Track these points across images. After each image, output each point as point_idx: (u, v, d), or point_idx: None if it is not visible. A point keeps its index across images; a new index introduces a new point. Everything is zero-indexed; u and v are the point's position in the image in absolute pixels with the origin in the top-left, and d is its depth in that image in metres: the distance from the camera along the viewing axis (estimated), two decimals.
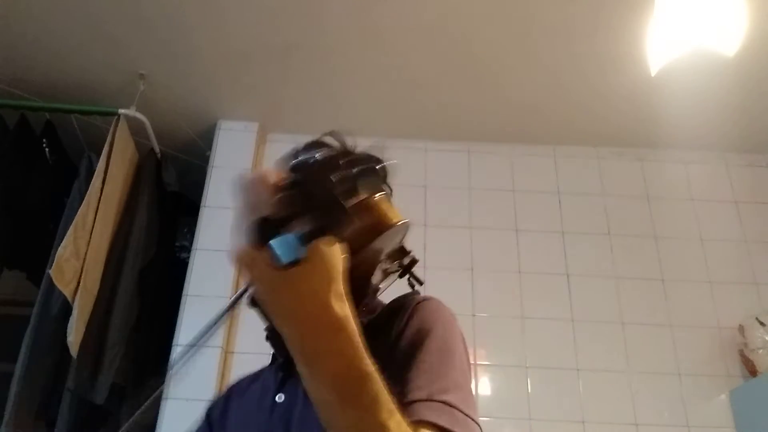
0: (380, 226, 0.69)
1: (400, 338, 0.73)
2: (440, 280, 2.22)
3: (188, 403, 1.96)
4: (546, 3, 1.98)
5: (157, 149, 2.49)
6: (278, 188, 0.51)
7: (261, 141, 2.60)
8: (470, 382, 0.74)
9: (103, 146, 2.25)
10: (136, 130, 2.40)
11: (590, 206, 2.50)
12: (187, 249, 2.43)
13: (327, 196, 0.50)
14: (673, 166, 2.58)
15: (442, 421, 0.63)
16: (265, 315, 0.70)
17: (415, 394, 0.65)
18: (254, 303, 0.64)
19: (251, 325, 2.26)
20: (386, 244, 0.75)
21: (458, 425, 0.64)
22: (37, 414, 1.96)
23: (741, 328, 2.18)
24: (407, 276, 0.83)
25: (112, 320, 2.12)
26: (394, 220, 0.71)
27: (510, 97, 2.38)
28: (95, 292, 2.11)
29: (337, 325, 0.53)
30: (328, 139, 0.98)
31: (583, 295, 2.32)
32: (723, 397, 2.16)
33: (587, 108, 2.42)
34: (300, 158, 0.54)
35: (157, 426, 1.98)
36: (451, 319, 0.78)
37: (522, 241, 2.42)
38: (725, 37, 1.58)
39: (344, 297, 0.55)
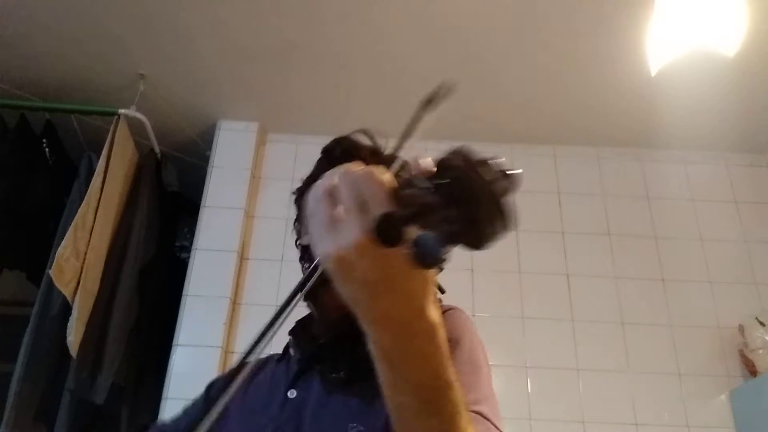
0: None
1: None
2: (440, 280, 2.23)
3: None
4: (546, 3, 1.98)
5: (157, 149, 2.49)
6: (406, 183, 0.46)
7: (261, 141, 2.60)
8: (493, 392, 0.75)
9: (103, 146, 2.25)
10: (136, 130, 2.40)
11: (590, 206, 2.50)
12: (187, 249, 2.43)
13: (491, 197, 0.43)
14: (673, 166, 2.58)
15: None
16: (318, 307, 0.68)
17: None
18: (309, 297, 0.61)
19: (251, 325, 2.26)
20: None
21: None
22: (37, 414, 1.95)
23: (741, 328, 2.18)
24: None
25: (112, 320, 2.12)
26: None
27: (510, 97, 2.38)
28: (95, 292, 2.11)
29: (431, 332, 0.51)
30: (360, 137, 0.98)
31: (583, 295, 2.32)
32: (723, 397, 2.16)
33: (587, 108, 2.42)
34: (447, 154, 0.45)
35: None
36: (475, 331, 0.80)
37: (522, 241, 2.41)
38: (725, 37, 1.58)
39: (436, 302, 0.52)
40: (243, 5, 2.03)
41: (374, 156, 0.95)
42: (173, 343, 2.15)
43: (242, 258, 2.35)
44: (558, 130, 2.55)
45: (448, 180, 0.44)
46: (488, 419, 0.67)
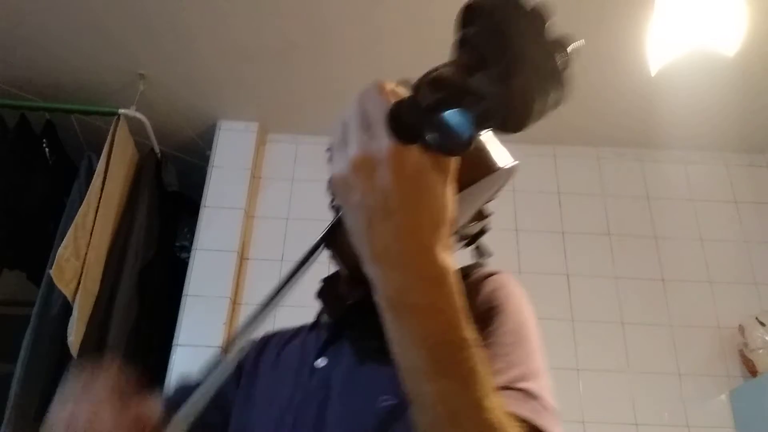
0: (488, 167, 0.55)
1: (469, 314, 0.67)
2: None
3: None
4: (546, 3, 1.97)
5: (157, 149, 2.49)
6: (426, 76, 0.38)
7: (261, 141, 2.60)
8: (545, 364, 0.65)
9: (103, 146, 2.25)
10: (136, 130, 2.40)
11: (590, 206, 2.50)
12: (187, 249, 2.43)
13: (538, 48, 0.32)
14: (673, 166, 2.58)
15: (526, 411, 0.55)
16: (343, 257, 0.59)
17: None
18: (330, 245, 0.53)
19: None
20: (488, 191, 0.61)
21: (542, 416, 0.57)
22: (37, 414, 1.95)
23: (741, 328, 2.18)
24: (474, 245, 0.72)
25: (112, 320, 2.12)
26: (507, 164, 0.55)
27: None
28: (95, 292, 2.11)
29: (440, 278, 0.45)
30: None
31: (583, 295, 2.32)
32: (723, 397, 2.16)
33: (587, 108, 2.42)
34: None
35: None
36: (523, 296, 0.70)
37: (522, 241, 2.41)
38: (725, 37, 1.58)
39: (450, 248, 0.46)
40: (243, 5, 2.03)
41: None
42: (173, 343, 2.15)
43: (242, 258, 2.35)
44: (558, 130, 2.55)
45: (478, 28, 0.32)
46: (538, 396, 0.58)
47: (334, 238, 0.51)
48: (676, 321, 2.27)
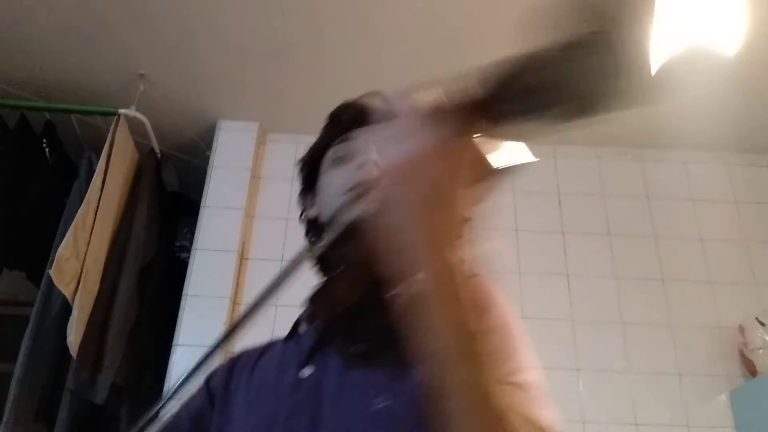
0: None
1: None
2: None
3: None
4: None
5: (157, 149, 2.49)
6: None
7: (261, 141, 2.60)
8: (534, 360, 0.68)
9: (103, 146, 2.25)
10: (136, 130, 2.40)
11: (590, 206, 2.50)
12: (187, 249, 2.43)
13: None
14: (673, 166, 2.58)
15: (519, 404, 0.58)
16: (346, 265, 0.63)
17: None
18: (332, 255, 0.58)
19: (251, 326, 2.26)
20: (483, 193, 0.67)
21: (533, 407, 0.60)
22: (37, 414, 1.95)
23: (741, 328, 2.18)
24: None
25: (112, 320, 2.12)
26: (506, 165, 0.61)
27: None
28: (95, 292, 2.11)
29: (461, 273, 0.50)
30: (369, 99, 0.92)
31: (583, 295, 2.31)
32: (723, 397, 2.16)
33: None
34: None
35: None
36: (504, 297, 0.74)
37: (522, 241, 2.41)
38: (725, 37, 1.58)
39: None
40: (243, 5, 2.03)
41: (385, 117, 0.87)
42: (173, 343, 2.15)
43: (242, 258, 2.35)
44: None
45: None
46: (528, 390, 0.62)
47: (337, 249, 0.54)
48: (676, 321, 2.27)
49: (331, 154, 0.85)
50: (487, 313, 0.67)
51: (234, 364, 0.85)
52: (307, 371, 0.72)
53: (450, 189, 0.50)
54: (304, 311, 0.81)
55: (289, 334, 0.83)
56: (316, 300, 0.75)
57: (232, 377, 0.82)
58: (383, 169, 0.48)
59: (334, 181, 0.80)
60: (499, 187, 0.56)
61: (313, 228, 0.86)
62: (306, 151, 0.93)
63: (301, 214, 0.89)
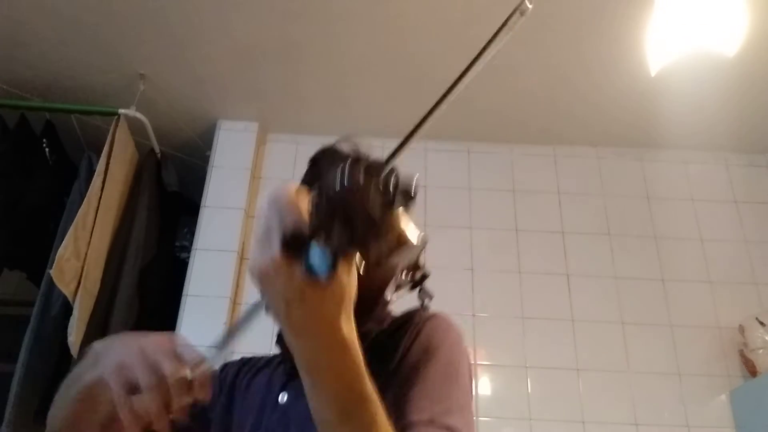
0: (403, 242, 0.69)
1: (406, 354, 0.74)
2: (440, 280, 2.23)
3: None
4: (547, 4, 1.98)
5: (157, 149, 2.49)
6: (311, 201, 0.50)
7: (261, 141, 2.60)
8: (472, 404, 0.74)
9: (103, 146, 2.25)
10: (136, 130, 2.40)
11: (590, 206, 2.50)
12: (187, 249, 2.43)
13: (364, 210, 0.46)
14: (673, 166, 2.58)
15: None
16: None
17: (416, 415, 0.66)
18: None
19: (251, 325, 2.26)
20: (405, 259, 0.76)
21: None
22: (37, 414, 1.95)
23: (741, 328, 2.18)
24: (418, 289, 0.84)
25: (112, 320, 2.12)
26: (416, 239, 0.71)
27: (510, 97, 2.38)
28: (95, 292, 2.11)
29: (343, 346, 0.54)
30: (343, 145, 0.99)
31: (583, 295, 2.32)
32: (723, 397, 2.16)
33: (588, 108, 2.42)
34: (331, 169, 0.48)
35: None
36: (459, 339, 0.78)
37: (522, 241, 2.41)
38: (725, 37, 1.58)
39: (352, 318, 0.55)
40: (243, 5, 2.03)
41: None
42: None
43: (242, 258, 2.35)
44: (558, 130, 2.55)
45: (330, 199, 0.45)
46: (456, 431, 0.66)
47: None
48: (676, 321, 2.27)
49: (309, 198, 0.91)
50: (434, 355, 0.72)
51: (240, 368, 0.91)
52: (282, 397, 0.80)
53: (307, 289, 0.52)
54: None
55: (283, 356, 0.90)
56: (280, 344, 0.82)
57: (236, 381, 0.88)
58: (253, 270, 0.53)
59: None
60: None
61: None
62: None
63: None
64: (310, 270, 0.48)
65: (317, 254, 0.48)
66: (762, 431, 1.99)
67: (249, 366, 0.91)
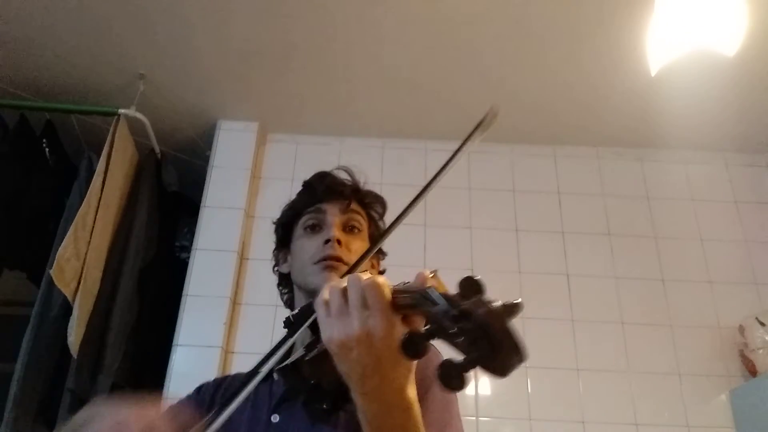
0: None
1: None
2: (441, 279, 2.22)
3: None
4: (546, 3, 1.98)
5: (157, 149, 2.49)
6: (401, 292, 0.57)
7: (261, 141, 2.60)
8: (461, 427, 0.83)
9: (103, 146, 2.25)
10: (136, 130, 2.40)
11: (590, 206, 2.50)
12: (187, 249, 2.43)
13: (504, 345, 0.50)
14: (673, 166, 2.58)
15: None
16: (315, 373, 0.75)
17: None
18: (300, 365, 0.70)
19: (251, 325, 2.26)
20: None
21: None
22: (37, 414, 1.95)
23: (741, 328, 2.18)
24: None
25: (112, 320, 2.12)
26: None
27: (510, 97, 2.38)
28: (95, 292, 2.11)
29: (408, 407, 0.62)
30: (341, 173, 1.04)
31: (583, 295, 2.32)
32: (723, 397, 2.16)
33: (587, 108, 2.42)
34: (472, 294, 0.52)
35: None
36: None
37: (522, 241, 2.41)
38: (725, 37, 1.57)
39: (413, 380, 0.63)
40: (243, 6, 2.03)
41: (355, 193, 1.01)
42: (173, 343, 2.14)
43: (242, 258, 2.35)
44: (558, 130, 2.55)
45: (472, 327, 0.49)
46: None
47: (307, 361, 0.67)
48: (676, 321, 2.27)
49: (303, 221, 0.99)
50: (432, 386, 0.78)
51: (221, 383, 0.95)
52: (274, 418, 0.85)
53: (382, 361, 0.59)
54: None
55: (264, 377, 0.90)
56: (284, 372, 0.85)
57: (217, 394, 0.92)
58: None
59: (305, 248, 0.96)
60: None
61: (285, 281, 1.03)
62: (281, 213, 1.06)
63: (275, 267, 1.04)
64: (445, 379, 0.51)
65: (451, 366, 0.51)
66: (762, 431, 1.99)
67: (226, 384, 0.95)
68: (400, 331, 0.58)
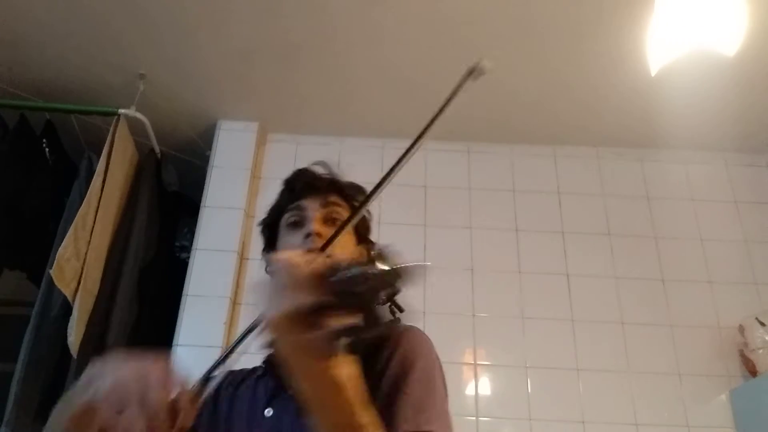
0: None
1: (386, 368, 0.80)
2: (440, 280, 2.22)
3: None
4: (547, 3, 1.98)
5: (157, 149, 2.49)
6: (328, 282, 0.57)
7: (261, 141, 2.60)
8: (448, 405, 0.82)
9: (103, 146, 2.25)
10: (136, 130, 2.40)
11: (590, 206, 2.50)
12: (187, 249, 2.43)
13: (375, 312, 0.56)
14: (673, 166, 2.58)
15: None
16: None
17: (402, 426, 0.73)
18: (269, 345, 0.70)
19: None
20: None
21: None
22: (37, 414, 1.95)
23: (741, 328, 2.18)
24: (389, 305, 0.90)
25: (112, 320, 2.12)
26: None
27: (510, 97, 2.38)
28: (95, 292, 2.11)
29: (339, 386, 0.61)
30: (318, 168, 1.06)
31: (583, 295, 2.32)
32: (723, 397, 2.16)
33: (588, 108, 2.42)
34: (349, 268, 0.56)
35: None
36: (431, 349, 0.86)
37: (522, 241, 2.41)
38: (725, 37, 1.57)
39: (350, 360, 0.63)
40: (244, 5, 2.03)
41: (332, 185, 1.03)
42: (173, 343, 2.14)
43: (242, 258, 2.35)
44: (558, 130, 2.55)
45: (348, 289, 0.53)
46: None
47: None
48: (676, 321, 2.27)
49: (285, 219, 1.01)
50: (412, 367, 0.80)
51: (224, 378, 0.94)
52: (268, 412, 0.85)
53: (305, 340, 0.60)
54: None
55: (263, 371, 0.94)
56: (271, 364, 0.88)
57: (221, 388, 0.92)
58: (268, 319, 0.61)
59: (288, 245, 0.97)
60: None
61: None
62: (266, 214, 1.08)
63: (266, 269, 1.04)
64: (332, 341, 0.55)
65: (324, 332, 0.55)
66: (762, 431, 1.99)
67: (232, 377, 0.95)
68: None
